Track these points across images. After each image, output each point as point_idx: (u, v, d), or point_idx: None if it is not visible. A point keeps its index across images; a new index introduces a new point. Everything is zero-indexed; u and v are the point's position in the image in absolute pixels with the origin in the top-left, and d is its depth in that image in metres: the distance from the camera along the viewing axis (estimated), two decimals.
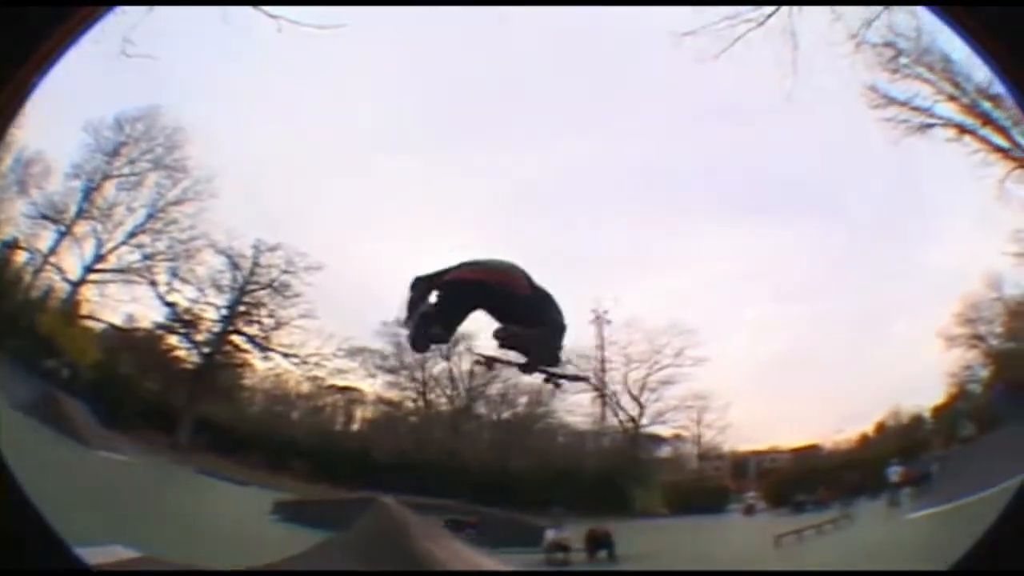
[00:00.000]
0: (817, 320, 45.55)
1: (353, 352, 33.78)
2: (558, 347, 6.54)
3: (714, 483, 36.45)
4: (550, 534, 17.04)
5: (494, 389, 36.94)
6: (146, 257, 31.08)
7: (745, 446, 39.89)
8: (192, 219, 31.46)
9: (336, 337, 32.86)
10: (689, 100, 33.23)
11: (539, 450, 35.93)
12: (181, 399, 28.98)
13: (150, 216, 31.48)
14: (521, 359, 6.73)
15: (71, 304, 29.95)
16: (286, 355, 31.97)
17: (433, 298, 6.09)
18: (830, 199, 34.82)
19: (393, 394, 36.45)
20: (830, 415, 48.51)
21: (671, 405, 38.03)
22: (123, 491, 13.07)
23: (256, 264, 31.89)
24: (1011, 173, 27.03)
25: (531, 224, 35.46)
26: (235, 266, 31.67)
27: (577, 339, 35.30)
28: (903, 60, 27.50)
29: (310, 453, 27.59)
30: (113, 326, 30.67)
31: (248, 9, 18.40)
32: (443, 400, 36.90)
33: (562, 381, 7.55)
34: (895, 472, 24.46)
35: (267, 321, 31.92)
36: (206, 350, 30.92)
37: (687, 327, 36.52)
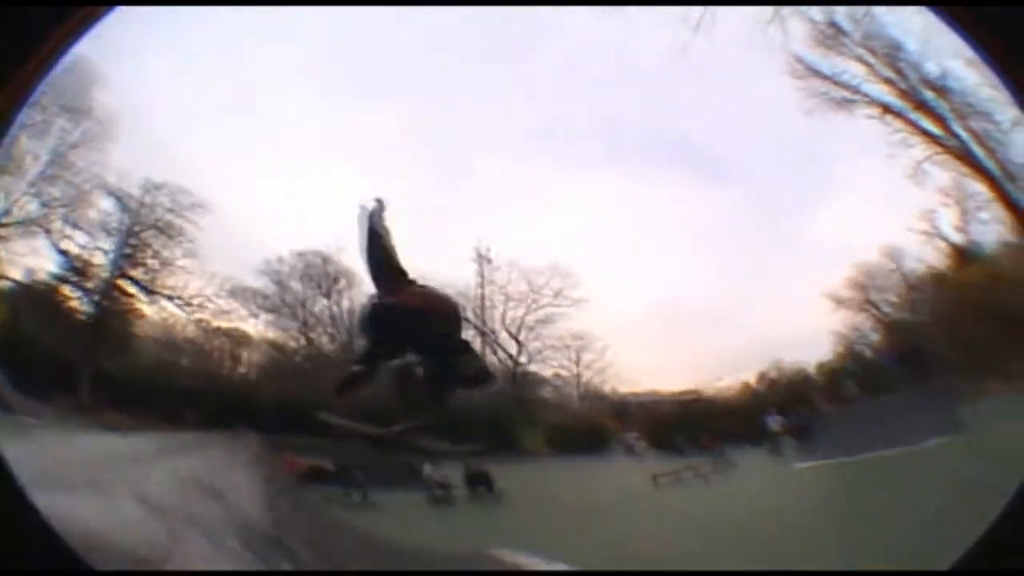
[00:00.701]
0: (705, 272, 47.57)
1: (235, 292, 33.41)
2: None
3: (595, 424, 37.44)
4: (428, 469, 17.26)
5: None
6: (44, 205, 29.58)
7: (626, 388, 41.18)
8: (89, 163, 30.14)
9: (218, 277, 32.57)
10: (593, 55, 32.99)
11: None
12: (79, 354, 27.94)
13: (51, 162, 29.79)
14: None
15: None
16: (171, 298, 31.37)
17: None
18: (734, 161, 35.61)
19: (276, 334, 35.78)
20: (712, 363, 51.14)
21: (549, 344, 39.27)
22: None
23: (142, 204, 30.81)
24: (931, 157, 28.95)
25: (421, 166, 34.72)
26: (123, 207, 30.54)
27: (457, 278, 36.29)
28: (844, 40, 28.59)
29: (199, 400, 26.40)
30: (17, 282, 29.15)
31: None
32: (326, 339, 36.49)
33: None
34: (775, 421, 25.65)
35: (152, 263, 31.15)
36: (96, 298, 30.13)
37: (567, 269, 37.76)
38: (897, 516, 9.54)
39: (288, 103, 32.45)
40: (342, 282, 35.83)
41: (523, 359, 39.34)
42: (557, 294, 38.41)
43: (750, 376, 40.41)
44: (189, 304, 32.15)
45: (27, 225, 29.43)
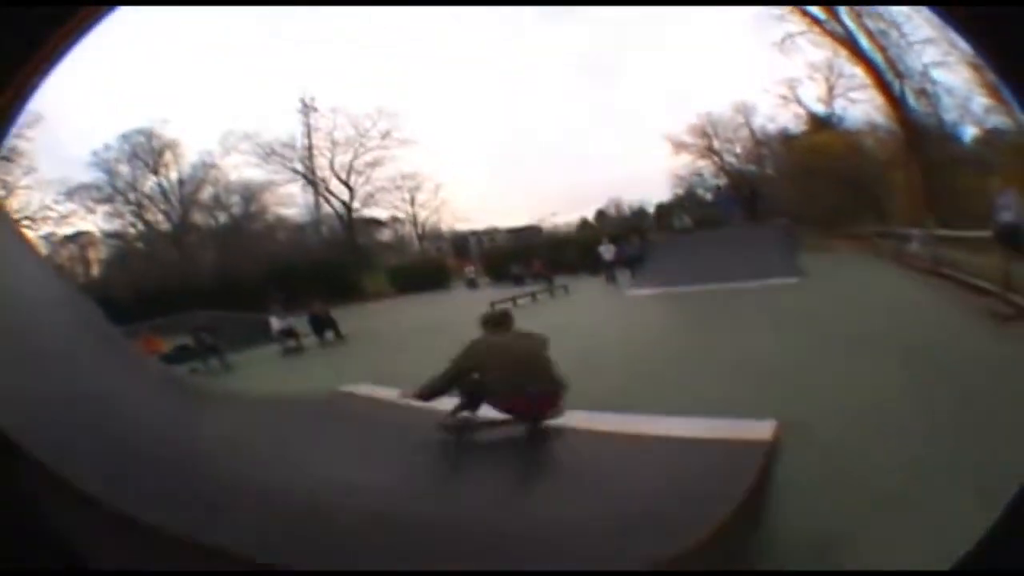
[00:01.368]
0: (542, 112, 47.95)
1: (71, 193, 32.12)
2: None
3: (436, 263, 38.73)
4: (274, 323, 17.35)
5: (204, 194, 36.90)
6: None
7: (463, 226, 42.96)
8: None
9: (55, 183, 31.19)
10: None
11: (261, 249, 36.43)
12: None
13: None
14: None
15: None
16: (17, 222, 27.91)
17: None
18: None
19: (114, 224, 35.05)
20: (551, 201, 52.70)
21: (380, 187, 40.03)
22: None
23: None
24: (804, 33, 30.34)
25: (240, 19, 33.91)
26: None
27: (280, 131, 37.19)
28: None
29: None
30: None
31: None
32: (161, 218, 36.13)
33: None
34: (608, 250, 26.14)
35: None
36: None
37: (394, 111, 37.97)
38: (719, 343, 10.78)
39: None
40: (167, 155, 35.13)
41: (356, 204, 39.81)
42: (385, 136, 38.56)
43: (588, 213, 42.34)
44: (34, 220, 30.71)
45: None
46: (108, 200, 34.08)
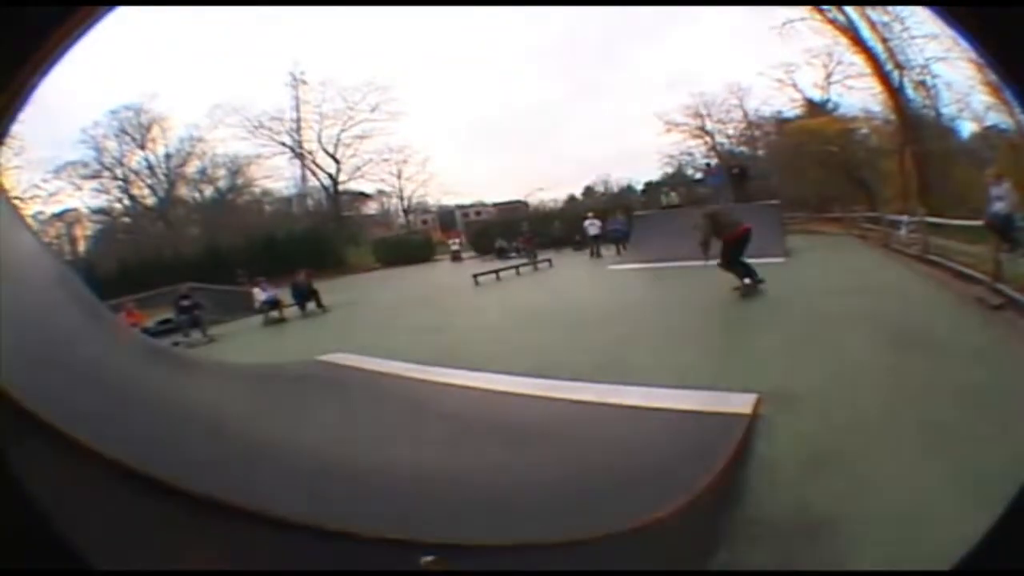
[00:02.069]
0: (534, 89, 47.86)
1: (59, 170, 32.71)
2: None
3: (421, 236, 38.85)
4: (258, 294, 17.41)
5: (191, 167, 37.53)
6: None
7: (450, 200, 43.75)
8: None
9: (44, 162, 31.70)
10: None
11: (247, 222, 37.07)
12: None
13: None
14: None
15: None
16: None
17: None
18: None
19: (101, 200, 35.69)
20: (539, 177, 52.80)
21: (367, 159, 40.68)
22: None
23: None
24: (804, 20, 30.45)
25: None
26: None
27: (268, 105, 38.41)
28: None
29: None
30: None
31: None
32: (147, 192, 36.78)
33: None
34: (593, 225, 26.38)
35: None
36: None
37: (384, 84, 39.01)
38: (694, 318, 11.03)
39: None
40: (155, 129, 35.45)
41: (342, 177, 40.33)
42: (374, 109, 39.16)
43: (575, 189, 42.47)
44: (23, 200, 31.16)
45: None
46: (95, 176, 34.44)
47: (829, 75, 31.65)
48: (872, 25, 28.52)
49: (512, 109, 50.15)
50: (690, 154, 36.49)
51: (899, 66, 28.32)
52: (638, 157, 49.22)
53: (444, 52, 47.86)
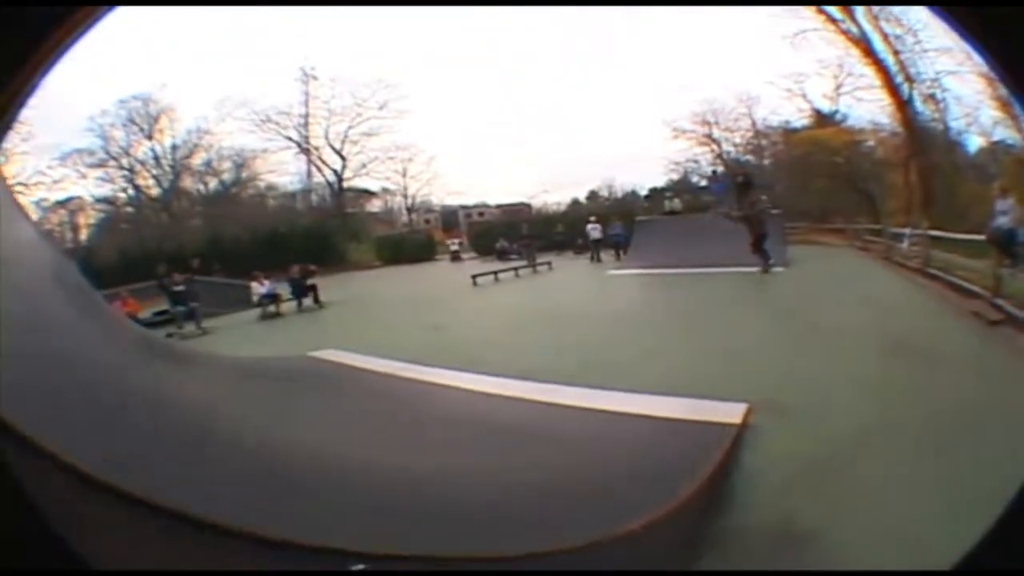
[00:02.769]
0: (543, 91, 47.78)
1: (64, 157, 32.29)
2: None
3: (422, 235, 38.58)
4: (256, 287, 17.40)
5: (197, 159, 36.89)
6: None
7: (454, 200, 42.96)
8: None
9: (51, 148, 31.01)
10: None
11: (250, 216, 36.61)
12: None
13: None
14: None
15: None
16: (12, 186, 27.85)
17: None
18: None
19: (105, 189, 34.99)
20: (542, 179, 52.68)
21: (373, 157, 39.83)
22: None
23: None
24: (818, 30, 29.93)
25: None
26: None
27: (276, 99, 37.14)
28: None
29: None
30: None
31: None
32: (151, 183, 36.08)
33: None
34: (595, 229, 26.18)
35: None
36: None
37: (394, 81, 37.73)
38: (688, 326, 10.89)
39: None
40: (163, 119, 34.89)
41: (348, 174, 39.79)
42: (383, 106, 38.29)
43: (579, 192, 42.39)
44: (27, 186, 30.48)
45: None
46: (100, 165, 34.00)
47: (839, 86, 31.26)
48: (885, 37, 28.36)
49: (518, 110, 49.77)
50: (696, 161, 36.07)
51: (909, 79, 28.11)
52: (644, 162, 48.91)
53: (453, 52, 47.55)
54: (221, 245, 30.56)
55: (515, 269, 22.46)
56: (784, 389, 6.20)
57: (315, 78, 37.30)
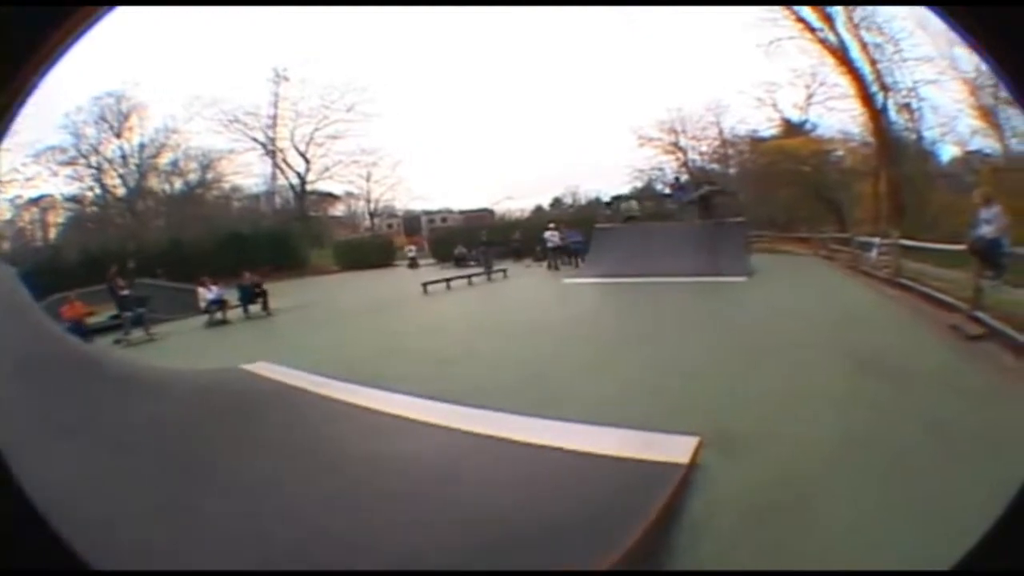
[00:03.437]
0: (509, 99, 47.84)
1: (38, 155, 32.43)
2: None
3: (381, 240, 38.54)
4: (203, 293, 16.77)
5: (164, 159, 36.80)
6: None
7: (418, 205, 43.60)
8: None
9: (24, 145, 31.15)
10: None
11: (213, 217, 36.55)
12: None
13: None
14: None
15: None
16: None
17: None
18: None
19: (73, 187, 35.14)
20: (506, 186, 52.85)
21: (338, 160, 40.12)
22: None
23: None
24: (794, 39, 30.34)
25: None
26: None
27: (245, 100, 37.42)
28: None
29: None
30: None
31: None
32: (118, 182, 35.90)
33: None
34: (553, 236, 26.00)
35: None
36: None
37: (363, 85, 38.19)
38: (639, 342, 10.11)
39: None
40: (133, 117, 34.73)
41: (311, 177, 39.85)
42: (350, 109, 38.54)
43: (545, 200, 42.38)
44: (2, 183, 31.59)
45: None
46: (70, 163, 33.81)
47: (810, 96, 31.57)
48: (864, 46, 28.59)
49: (485, 117, 50.27)
50: (660, 169, 36.47)
51: (885, 88, 28.40)
52: (610, 170, 49.20)
53: (422, 57, 47.91)
54: (181, 247, 30.22)
55: (468, 277, 22.18)
56: (739, 415, 5.56)
57: (287, 79, 37.61)
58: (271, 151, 38.21)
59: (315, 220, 40.29)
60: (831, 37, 29.23)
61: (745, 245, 20.42)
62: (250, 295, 17.57)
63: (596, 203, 38.53)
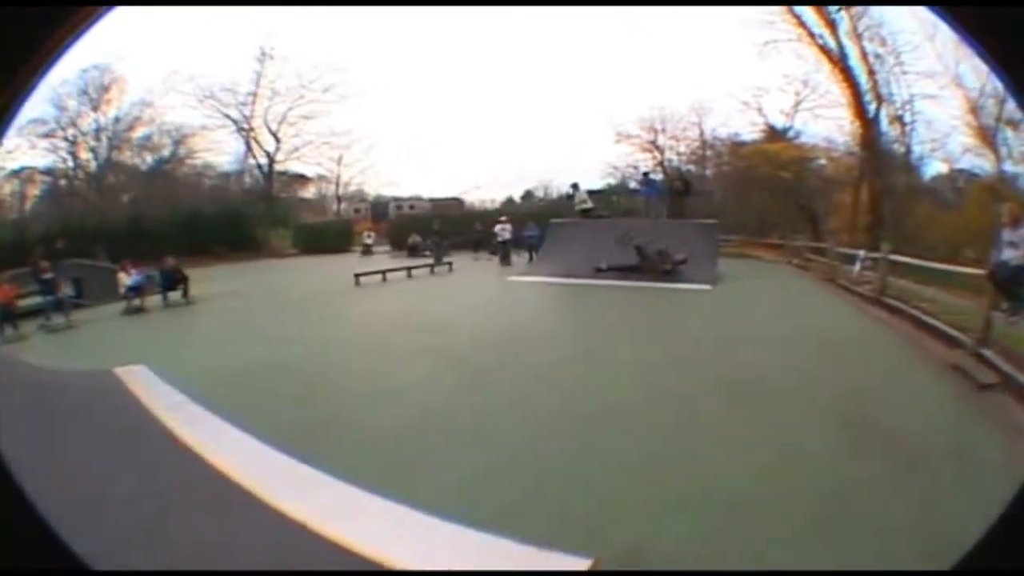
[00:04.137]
0: (486, 91, 47.38)
1: (22, 127, 31.95)
2: None
3: (340, 225, 38.22)
4: (123, 278, 15.81)
5: (137, 132, 36.43)
6: None
7: (389, 191, 43.45)
8: None
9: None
10: None
11: (180, 196, 35.78)
12: None
13: None
14: None
15: None
16: None
17: None
18: None
19: (49, 159, 35.11)
20: (478, 176, 52.46)
21: (307, 141, 39.72)
22: None
23: None
24: (791, 42, 29.87)
25: None
26: None
27: (224, 76, 37.21)
28: None
29: None
30: None
31: None
32: (90, 156, 35.64)
33: None
34: (504, 230, 25.39)
35: None
36: None
37: (344, 66, 38.08)
38: (572, 363, 8.59)
39: None
40: (113, 89, 34.62)
41: (280, 157, 39.29)
42: (327, 89, 38.20)
43: (517, 192, 41.90)
44: None
45: None
46: (48, 135, 33.99)
47: (798, 102, 31.20)
48: (864, 55, 28.15)
49: (462, 106, 50.36)
50: (635, 167, 35.71)
51: (880, 98, 28.04)
52: (587, 166, 48.87)
53: (402, 44, 47.89)
54: (139, 224, 29.60)
55: (408, 269, 21.11)
56: (678, 497, 4.06)
57: (272, 58, 37.26)
58: (242, 128, 37.74)
59: (282, 201, 39.86)
60: (831, 43, 28.80)
61: (714, 248, 19.10)
62: (171, 281, 16.45)
63: (568, 197, 38.19)
